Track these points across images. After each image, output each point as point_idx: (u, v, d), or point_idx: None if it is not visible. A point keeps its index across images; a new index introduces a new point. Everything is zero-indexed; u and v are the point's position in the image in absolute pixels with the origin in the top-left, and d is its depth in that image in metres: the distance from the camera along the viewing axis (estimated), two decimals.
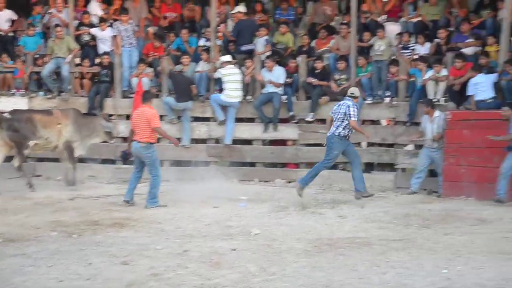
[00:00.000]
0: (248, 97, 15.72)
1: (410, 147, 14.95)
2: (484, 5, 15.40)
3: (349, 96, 12.50)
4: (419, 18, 15.72)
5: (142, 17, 17.08)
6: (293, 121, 15.41)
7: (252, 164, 15.78)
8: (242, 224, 10.83)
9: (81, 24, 16.92)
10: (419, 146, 14.44)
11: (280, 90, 15.33)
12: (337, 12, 17.46)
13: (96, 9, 17.29)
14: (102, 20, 16.67)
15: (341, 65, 15.10)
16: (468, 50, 14.53)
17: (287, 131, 15.57)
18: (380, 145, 14.92)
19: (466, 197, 13.00)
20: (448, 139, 13.49)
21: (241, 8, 16.42)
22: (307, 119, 15.24)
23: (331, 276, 8.04)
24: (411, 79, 14.65)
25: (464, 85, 13.96)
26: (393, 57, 15.06)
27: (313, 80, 15.19)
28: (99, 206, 12.32)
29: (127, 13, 16.45)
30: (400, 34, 15.34)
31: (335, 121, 12.44)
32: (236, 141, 15.83)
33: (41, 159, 16.15)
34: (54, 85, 16.41)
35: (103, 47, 16.58)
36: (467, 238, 9.78)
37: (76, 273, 8.07)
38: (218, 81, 15.78)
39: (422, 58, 14.54)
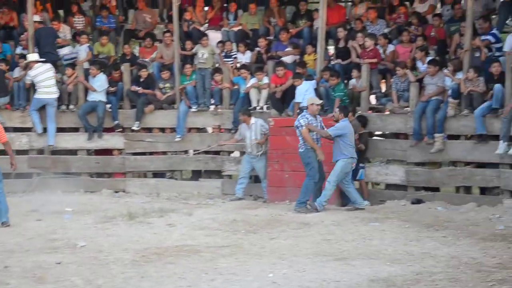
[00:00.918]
0: (71, 106, 15.38)
1: (236, 154, 15.24)
2: (301, 15, 15.95)
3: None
4: (240, 27, 16.04)
5: None
6: (119, 130, 15.24)
7: (77, 175, 15.44)
8: (67, 237, 10.55)
9: None
10: (243, 153, 14.76)
11: (102, 97, 15.10)
12: (159, 20, 17.52)
13: None
14: None
15: (165, 74, 15.11)
16: (287, 59, 14.99)
17: (112, 140, 15.39)
18: (207, 152, 15.05)
19: (290, 202, 13.33)
20: (271, 145, 13.84)
21: (36, 17, 15.91)
22: (133, 128, 15.13)
23: (159, 285, 8.01)
24: (235, 87, 14.90)
25: (285, 92, 14.37)
26: (216, 65, 15.27)
27: (138, 89, 15.11)
28: None
29: None
30: (222, 42, 15.57)
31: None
32: (60, 152, 15.45)
33: None
34: None
35: None
36: (292, 242, 10.04)
37: None
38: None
39: (244, 66, 14.85)
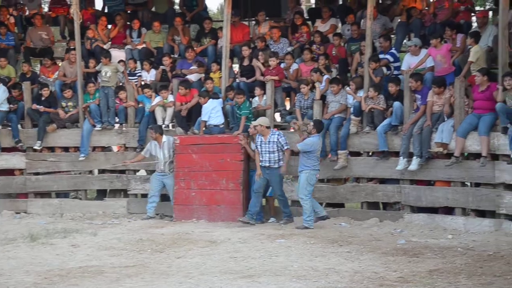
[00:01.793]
0: None
1: (142, 172, 15.08)
2: (205, 33, 15.98)
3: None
4: (144, 45, 15.95)
5: None
6: (20, 150, 14.86)
7: None
8: None
9: None
10: (151, 171, 14.63)
11: (3, 107, 14.82)
12: (60, 38, 17.24)
13: None
14: None
15: (68, 93, 14.84)
16: (192, 77, 14.98)
17: (13, 160, 14.99)
18: (112, 171, 14.84)
19: (197, 220, 13.34)
20: (177, 163, 13.76)
21: None
22: (34, 147, 14.77)
23: None
24: (140, 105, 14.77)
25: (191, 110, 14.35)
26: (120, 84, 15.11)
27: (40, 107, 14.79)
28: None
29: None
30: (123, 61, 15.42)
31: None
32: None
33: None
34: None
35: None
36: (199, 260, 10.00)
37: None
38: None
39: (147, 86, 14.74)
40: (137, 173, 15.02)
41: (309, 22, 16.47)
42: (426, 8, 15.24)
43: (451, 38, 13.25)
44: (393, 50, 14.03)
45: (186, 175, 13.64)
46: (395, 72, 13.70)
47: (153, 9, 17.41)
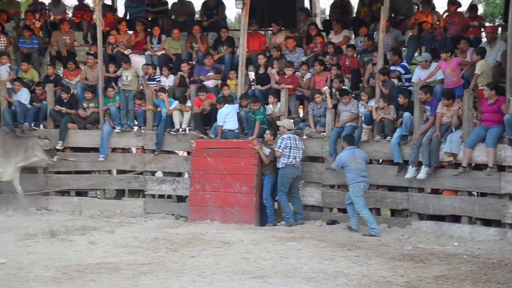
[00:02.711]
0: None
1: (159, 174, 15.08)
2: (222, 42, 16.00)
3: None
4: (163, 52, 15.97)
5: None
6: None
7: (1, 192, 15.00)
8: None
9: None
10: (166, 173, 14.65)
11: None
12: (83, 42, 17.28)
13: None
14: None
15: (89, 95, 14.88)
16: (209, 83, 14.99)
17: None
18: (130, 172, 14.85)
19: (211, 221, 13.32)
20: (193, 166, 13.77)
21: None
22: (57, 147, 14.80)
23: None
24: (158, 109, 14.78)
25: (207, 115, 14.35)
26: (140, 88, 15.13)
27: (62, 109, 14.84)
28: None
29: None
30: (147, 65, 15.46)
31: None
32: None
33: None
34: None
35: None
36: (212, 260, 10.00)
37: None
38: None
39: (162, 89, 14.72)
40: (155, 175, 15.02)
41: (323, 33, 16.45)
42: (437, 22, 15.17)
43: (464, 50, 13.21)
44: (404, 63, 13.99)
45: (201, 178, 13.63)
46: (406, 84, 13.65)
47: (172, 17, 17.42)
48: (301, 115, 14.73)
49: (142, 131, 14.82)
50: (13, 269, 9.33)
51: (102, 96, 14.89)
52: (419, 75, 13.37)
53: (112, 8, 17.75)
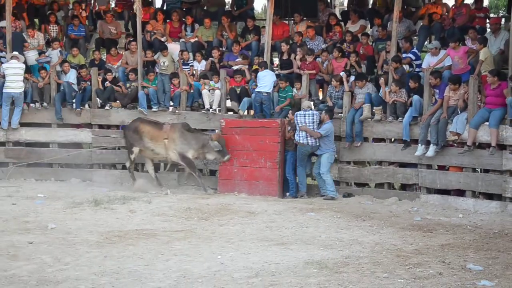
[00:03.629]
0: (44, 104, 15.13)
1: None
2: (249, 30, 15.93)
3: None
4: (196, 39, 15.95)
5: None
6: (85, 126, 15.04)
7: (48, 165, 15.13)
8: (38, 220, 10.35)
9: None
10: None
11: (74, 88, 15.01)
12: (124, 30, 17.31)
13: None
14: None
15: (132, 76, 14.96)
16: (240, 66, 14.93)
17: (81, 135, 15.12)
18: None
19: (238, 193, 13.32)
20: None
21: (3, 22, 15.60)
22: (103, 104, 14.96)
23: (121, 264, 7.92)
24: (191, 91, 14.77)
25: (240, 93, 14.41)
26: (176, 71, 15.14)
27: (106, 83, 14.94)
28: None
29: None
30: (182, 51, 15.45)
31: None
32: (34, 144, 15.16)
33: None
34: None
35: None
36: (239, 228, 10.02)
37: None
38: None
39: (206, 75, 14.70)
40: None
41: (342, 23, 16.32)
42: (446, 13, 15.00)
43: (473, 38, 13.05)
44: (415, 50, 13.87)
45: (230, 154, 13.62)
46: (417, 70, 13.53)
47: (205, 7, 17.37)
48: (321, 97, 14.66)
49: (177, 111, 14.83)
50: (61, 234, 9.43)
51: (140, 77, 14.91)
52: (429, 61, 13.24)
53: (149, 2, 17.81)
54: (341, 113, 13.66)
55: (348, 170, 13.49)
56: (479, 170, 12.31)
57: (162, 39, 15.94)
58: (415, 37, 15.38)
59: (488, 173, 12.03)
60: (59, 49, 15.72)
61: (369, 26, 16.17)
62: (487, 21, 14.71)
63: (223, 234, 9.62)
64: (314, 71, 14.18)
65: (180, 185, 14.42)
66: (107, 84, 14.97)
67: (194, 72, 15.03)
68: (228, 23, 15.98)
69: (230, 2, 17.88)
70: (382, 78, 13.30)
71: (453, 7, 14.83)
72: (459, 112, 12.30)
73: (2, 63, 15.04)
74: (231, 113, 14.63)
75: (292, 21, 16.64)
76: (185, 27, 16.26)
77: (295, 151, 13.29)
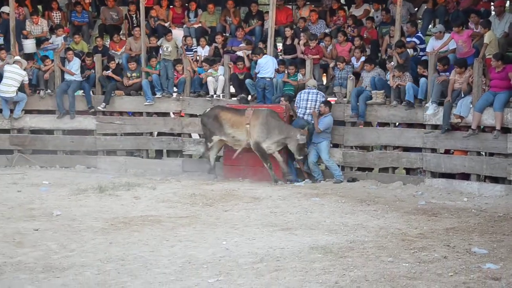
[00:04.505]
0: (48, 91, 15.10)
1: (195, 136, 15.12)
2: (253, 15, 15.86)
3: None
4: (199, 25, 15.90)
5: None
6: (92, 111, 15.01)
7: (53, 152, 15.16)
8: (44, 207, 10.39)
9: None
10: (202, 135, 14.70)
11: (76, 78, 14.92)
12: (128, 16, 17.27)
13: None
14: None
15: (132, 65, 14.90)
16: (241, 53, 14.88)
17: (85, 122, 15.12)
18: (170, 134, 14.91)
19: (242, 179, 13.33)
20: None
21: (6, 8, 15.56)
22: (98, 108, 14.89)
23: (126, 250, 7.95)
24: (195, 76, 14.75)
25: (243, 81, 14.33)
26: (180, 58, 15.10)
27: (108, 72, 14.92)
28: None
29: None
30: (185, 36, 15.41)
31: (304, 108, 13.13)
32: (38, 131, 15.21)
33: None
34: None
35: None
36: (243, 214, 10.04)
37: None
38: None
39: (206, 60, 14.68)
40: (192, 136, 15.06)
41: (345, 7, 16.23)
42: None
43: (475, 23, 12.94)
44: (419, 34, 13.78)
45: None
46: (421, 53, 13.47)
47: None
48: (325, 82, 14.62)
49: (181, 97, 14.82)
50: (67, 220, 9.47)
51: (144, 64, 14.89)
52: (433, 45, 13.18)
53: None
54: (346, 97, 13.62)
55: (353, 155, 13.46)
56: (483, 153, 12.28)
57: (166, 25, 15.89)
58: (419, 21, 15.28)
59: (493, 157, 12.00)
60: (64, 35, 15.68)
61: (372, 10, 16.07)
62: (492, 3, 14.61)
63: (227, 219, 9.64)
64: (317, 56, 14.14)
65: (184, 171, 14.42)
66: (109, 73, 14.92)
67: (198, 57, 15.00)
68: (233, 8, 15.92)
69: None
70: (392, 62, 13.22)
71: None
72: (463, 96, 12.24)
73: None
74: (235, 98, 14.57)
75: (295, 6, 16.56)
76: (188, 13, 16.21)
77: None
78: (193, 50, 15.18)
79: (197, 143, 14.66)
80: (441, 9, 14.41)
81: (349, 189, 12.20)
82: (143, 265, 7.39)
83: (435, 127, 12.63)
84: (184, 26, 16.01)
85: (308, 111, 13.22)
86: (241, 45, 15.05)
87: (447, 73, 12.56)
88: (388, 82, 13.18)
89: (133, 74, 14.97)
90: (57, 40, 15.59)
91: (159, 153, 15.34)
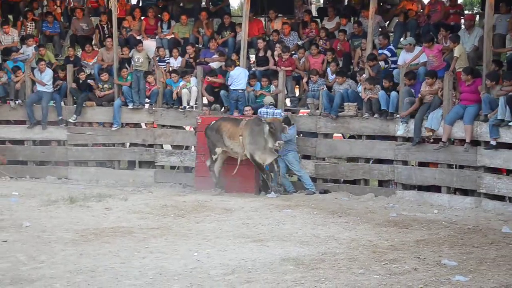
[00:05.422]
0: (19, 101, 14.97)
1: (168, 147, 15.08)
2: (225, 27, 15.91)
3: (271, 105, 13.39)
4: (172, 36, 15.90)
5: None
6: (63, 124, 14.91)
7: (23, 162, 15.00)
8: (13, 218, 10.26)
9: None
10: (175, 146, 14.66)
11: (48, 88, 14.86)
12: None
13: None
14: None
15: (104, 76, 14.87)
16: (214, 64, 14.92)
17: (56, 133, 15.02)
18: (142, 145, 14.85)
19: (215, 190, 13.30)
20: (199, 140, 13.71)
21: None
22: (69, 120, 14.82)
23: (96, 262, 7.87)
24: (167, 88, 14.73)
25: (218, 92, 14.42)
26: (152, 69, 15.07)
27: (90, 81, 14.91)
28: None
29: None
30: (158, 48, 15.39)
31: None
32: (8, 142, 15.09)
33: None
34: None
35: None
36: (215, 225, 10.00)
37: None
38: None
39: (174, 71, 14.70)
40: (164, 147, 15.02)
41: (318, 20, 16.35)
42: (421, 10, 15.10)
43: (444, 37, 13.12)
44: (391, 46, 13.94)
45: (205, 151, 13.55)
46: (392, 66, 13.61)
47: (181, 4, 17.30)
48: (297, 94, 14.69)
49: (153, 108, 14.78)
50: (37, 231, 9.35)
51: (116, 75, 14.85)
52: (404, 57, 13.30)
53: None
54: (318, 109, 13.69)
55: (325, 167, 13.52)
56: (454, 166, 12.42)
57: (138, 37, 15.85)
58: (391, 34, 15.46)
59: (463, 169, 12.13)
60: (34, 45, 15.57)
61: (344, 23, 16.20)
62: (462, 18, 14.83)
63: (199, 231, 9.60)
64: (290, 68, 14.21)
65: (157, 182, 14.36)
66: (91, 82, 14.90)
67: (170, 68, 14.98)
68: (206, 20, 15.95)
69: None
70: (364, 75, 13.33)
71: (428, 4, 14.92)
72: (432, 108, 12.38)
73: None
74: (207, 108, 14.52)
75: (267, 18, 16.66)
76: (161, 24, 16.20)
77: None
78: (166, 61, 15.17)
79: (169, 154, 14.61)
80: (412, 22, 14.59)
81: (321, 201, 12.24)
82: (113, 277, 7.32)
83: (407, 139, 12.75)
84: (157, 37, 15.99)
85: None
86: (214, 56, 15.08)
87: (413, 90, 12.67)
88: (360, 94, 13.27)
89: (105, 85, 14.91)
90: (28, 50, 15.46)
91: (131, 164, 15.26)
